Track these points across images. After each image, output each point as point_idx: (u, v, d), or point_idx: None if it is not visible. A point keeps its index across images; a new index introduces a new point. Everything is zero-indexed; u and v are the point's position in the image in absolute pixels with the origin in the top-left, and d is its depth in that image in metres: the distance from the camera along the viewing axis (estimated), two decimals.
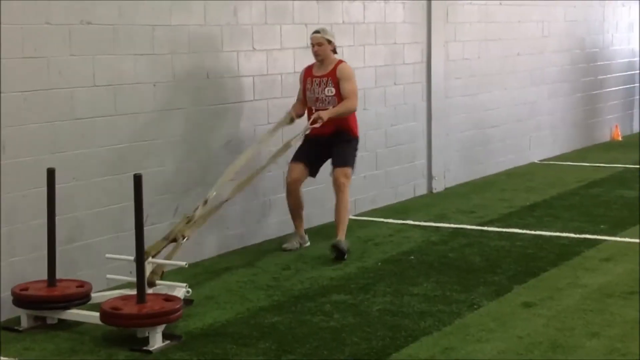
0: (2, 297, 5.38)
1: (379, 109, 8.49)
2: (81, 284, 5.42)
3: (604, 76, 13.03)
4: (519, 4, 10.75)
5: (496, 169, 10.46)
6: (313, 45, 6.92)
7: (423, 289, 5.91)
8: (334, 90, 6.87)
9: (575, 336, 4.97)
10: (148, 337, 4.92)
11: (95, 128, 5.92)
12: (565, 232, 7.45)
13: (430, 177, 9.34)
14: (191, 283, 5.72)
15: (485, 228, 7.70)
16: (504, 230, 7.60)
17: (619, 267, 6.38)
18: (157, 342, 4.89)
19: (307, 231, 7.27)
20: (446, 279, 6.15)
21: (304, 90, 7.02)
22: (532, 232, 7.47)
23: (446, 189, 9.49)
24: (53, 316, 5.28)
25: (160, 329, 4.92)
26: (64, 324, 5.29)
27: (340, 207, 6.89)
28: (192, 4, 6.57)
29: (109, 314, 4.95)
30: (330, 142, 6.92)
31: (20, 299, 5.25)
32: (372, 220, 8.01)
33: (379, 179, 8.53)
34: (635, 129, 14.16)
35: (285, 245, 7.08)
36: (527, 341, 4.91)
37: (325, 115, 6.73)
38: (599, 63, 12.82)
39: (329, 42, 6.90)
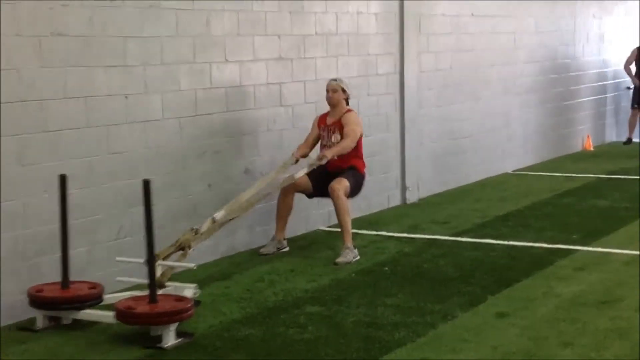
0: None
1: None
2: (93, 286, 5.61)
3: (576, 87, 13.13)
4: (490, 16, 10.81)
5: (469, 179, 10.49)
6: (328, 91, 7.27)
7: (397, 300, 5.90)
8: (339, 137, 7.20)
9: (548, 346, 4.98)
10: (160, 336, 5.10)
11: (66, 140, 5.87)
12: (539, 242, 7.47)
13: (403, 188, 9.35)
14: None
15: (459, 238, 7.71)
16: (478, 240, 7.61)
17: (591, 277, 6.40)
18: (170, 339, 5.09)
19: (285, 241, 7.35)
20: (420, 289, 6.15)
21: (317, 136, 7.32)
22: (506, 242, 7.49)
23: (420, 199, 9.50)
24: (68, 316, 5.47)
25: (173, 327, 5.12)
26: (78, 324, 5.47)
27: (339, 212, 7.08)
28: (163, 14, 6.54)
29: (124, 313, 5.15)
30: (334, 175, 7.16)
31: (36, 300, 5.42)
32: None
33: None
34: (607, 139, 14.28)
35: (262, 250, 7.24)
36: (501, 351, 4.91)
37: (329, 154, 7.04)
38: (570, 74, 12.92)
39: (344, 90, 7.26)
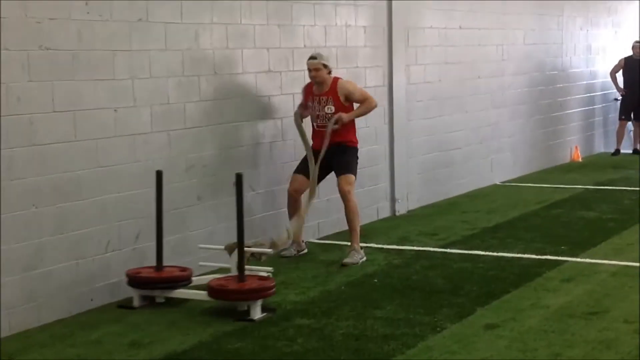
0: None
1: None
2: (184, 269, 6.26)
3: (564, 98, 13.19)
4: (478, 28, 10.86)
5: (458, 191, 10.51)
6: (310, 70, 7.29)
7: (386, 312, 5.91)
8: (333, 108, 7.30)
9: (537, 357, 5.00)
10: (247, 310, 5.78)
11: (54, 154, 5.86)
12: (527, 253, 7.49)
13: (393, 200, 9.37)
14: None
15: (447, 250, 7.73)
16: (467, 252, 7.62)
17: (579, 288, 6.43)
18: (257, 313, 5.76)
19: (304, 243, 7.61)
20: (409, 301, 6.16)
21: (305, 104, 7.47)
22: (494, 254, 7.51)
23: (409, 211, 9.52)
24: (163, 295, 6.11)
25: (259, 302, 5.79)
26: (170, 302, 6.12)
27: (349, 215, 7.35)
28: (152, 28, 6.55)
29: (218, 290, 5.83)
30: (331, 154, 7.23)
31: (137, 281, 6.07)
32: (336, 244, 8.00)
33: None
34: (595, 150, 14.34)
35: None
36: None
37: (346, 117, 7.24)
38: (558, 85, 12.98)
39: (325, 66, 7.28)
